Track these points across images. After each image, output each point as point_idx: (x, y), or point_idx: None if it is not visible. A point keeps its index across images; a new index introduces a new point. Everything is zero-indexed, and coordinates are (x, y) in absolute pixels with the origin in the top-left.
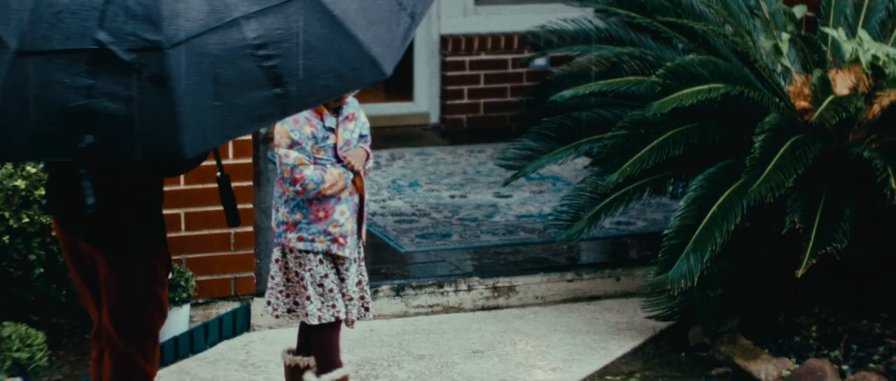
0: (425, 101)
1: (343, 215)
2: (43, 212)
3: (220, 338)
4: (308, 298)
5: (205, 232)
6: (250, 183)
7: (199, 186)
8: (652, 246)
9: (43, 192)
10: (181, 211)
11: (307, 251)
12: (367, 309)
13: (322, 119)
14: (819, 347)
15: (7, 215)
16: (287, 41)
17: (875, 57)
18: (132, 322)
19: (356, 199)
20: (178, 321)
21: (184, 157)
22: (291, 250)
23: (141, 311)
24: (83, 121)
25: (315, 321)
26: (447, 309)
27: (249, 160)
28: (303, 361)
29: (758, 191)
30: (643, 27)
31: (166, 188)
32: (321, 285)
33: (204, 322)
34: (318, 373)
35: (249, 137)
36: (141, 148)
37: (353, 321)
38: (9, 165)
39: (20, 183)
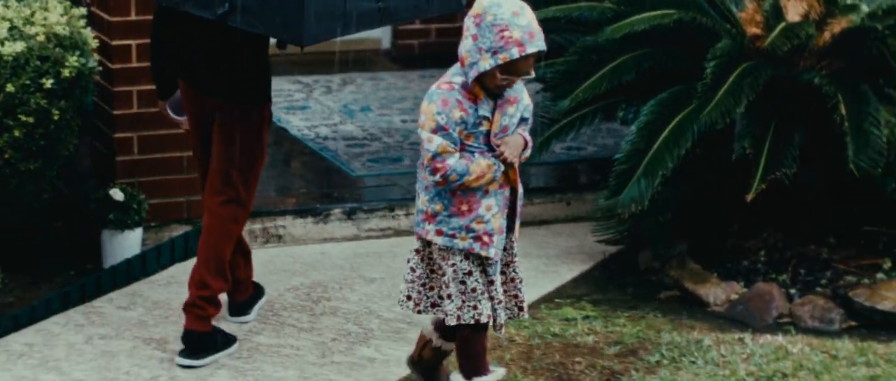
0: None
1: (490, 210)
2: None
3: (173, 261)
4: (449, 296)
5: (157, 156)
6: None
7: (152, 109)
8: (602, 171)
9: None
10: (134, 135)
11: (448, 248)
12: (520, 309)
13: (476, 103)
14: (767, 271)
15: None
16: None
17: None
18: (244, 162)
19: (507, 192)
20: (131, 244)
21: (302, 43)
22: (432, 242)
23: (252, 152)
24: None
25: (453, 321)
26: (398, 232)
27: None
28: (446, 345)
29: (709, 116)
30: None
31: (117, 112)
32: (463, 283)
33: (156, 245)
34: (466, 377)
35: None
36: (269, 26)
37: (501, 325)
38: None
39: None
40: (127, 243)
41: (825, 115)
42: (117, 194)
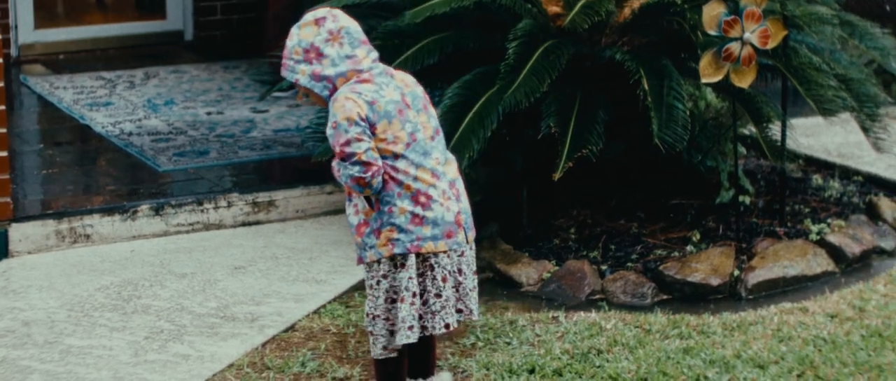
0: (178, 17)
1: None
2: None
3: None
4: (474, 288)
5: None
6: (3, 107)
7: None
8: None
9: None
10: None
11: None
12: None
13: None
14: (578, 248)
15: None
16: None
17: None
18: None
19: None
20: None
21: None
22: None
23: None
24: None
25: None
26: (208, 226)
27: (0, 84)
28: None
29: (513, 97)
30: None
31: None
32: None
33: None
34: None
35: (0, 60)
36: None
37: None
38: None
39: None
40: None
41: (629, 90)
42: None
